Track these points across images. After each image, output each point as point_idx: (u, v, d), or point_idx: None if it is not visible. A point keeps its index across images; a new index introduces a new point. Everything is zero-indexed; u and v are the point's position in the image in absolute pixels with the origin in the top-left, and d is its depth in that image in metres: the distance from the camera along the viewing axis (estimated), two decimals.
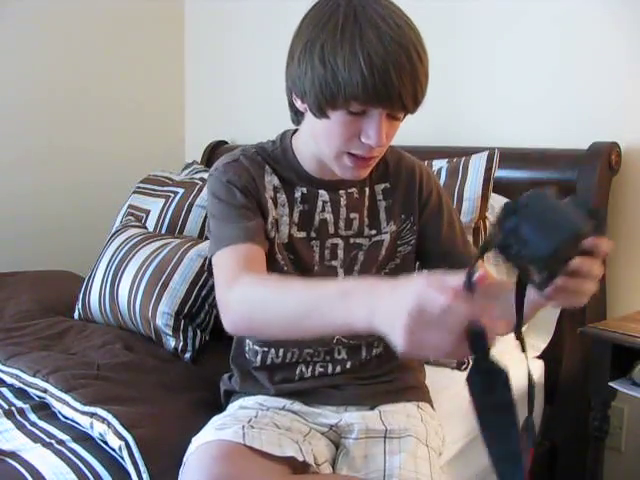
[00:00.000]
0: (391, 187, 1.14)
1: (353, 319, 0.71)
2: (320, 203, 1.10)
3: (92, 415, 1.13)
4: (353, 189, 1.11)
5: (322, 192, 1.10)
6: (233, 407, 1.13)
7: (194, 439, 1.00)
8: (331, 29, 0.90)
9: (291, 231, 1.10)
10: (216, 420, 1.05)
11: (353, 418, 1.10)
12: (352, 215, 1.11)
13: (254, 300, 0.86)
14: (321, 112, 0.95)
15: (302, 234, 1.10)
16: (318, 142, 1.02)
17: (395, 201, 1.14)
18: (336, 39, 0.89)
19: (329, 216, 1.11)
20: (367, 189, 1.13)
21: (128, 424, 1.08)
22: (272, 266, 1.06)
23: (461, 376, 1.52)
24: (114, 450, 1.07)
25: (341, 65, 0.89)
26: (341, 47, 0.89)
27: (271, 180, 1.09)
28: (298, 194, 1.10)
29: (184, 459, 0.98)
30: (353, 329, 0.73)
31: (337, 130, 0.96)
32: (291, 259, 1.10)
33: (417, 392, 1.20)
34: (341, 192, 1.11)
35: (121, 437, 1.06)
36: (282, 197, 1.09)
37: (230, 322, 0.89)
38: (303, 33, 0.95)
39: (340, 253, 1.11)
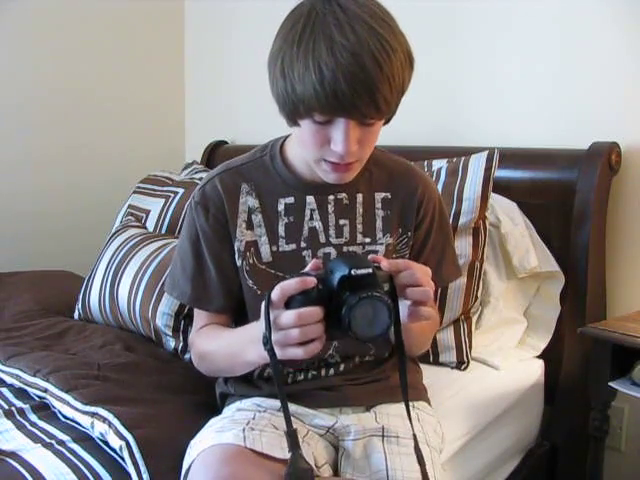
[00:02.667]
0: (391, 198, 1.14)
1: (251, 357, 0.99)
2: (308, 212, 1.11)
3: (93, 415, 1.13)
4: (343, 194, 1.11)
5: (309, 199, 1.11)
6: (230, 410, 1.12)
7: (193, 443, 1.00)
8: (290, 42, 0.92)
9: (274, 248, 1.10)
10: (214, 423, 1.05)
11: (349, 420, 1.10)
12: (342, 222, 1.11)
13: (205, 357, 1.14)
14: (291, 121, 0.98)
15: (291, 246, 1.11)
16: (300, 147, 1.04)
17: (394, 213, 1.14)
18: (293, 52, 0.91)
19: (318, 224, 1.11)
20: (360, 195, 1.12)
21: (129, 424, 1.08)
22: (247, 292, 1.12)
23: (461, 376, 1.53)
24: (114, 450, 1.07)
25: (297, 78, 0.91)
26: (297, 60, 0.90)
27: (246, 201, 1.11)
28: (282, 207, 1.11)
29: (185, 463, 0.98)
30: (259, 362, 1.02)
31: (308, 138, 0.97)
32: (279, 276, 1.08)
33: (412, 391, 1.18)
34: (330, 197, 1.11)
35: (122, 437, 1.06)
36: (258, 218, 1.11)
37: (196, 366, 1.18)
38: (274, 42, 0.97)
39: None
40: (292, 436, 0.87)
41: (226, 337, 1.09)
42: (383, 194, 1.14)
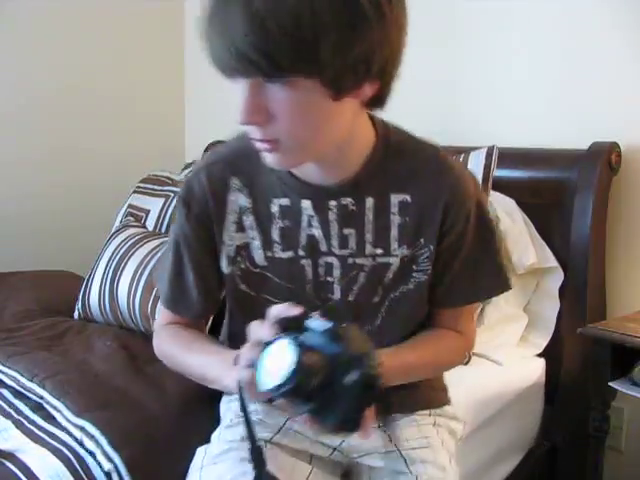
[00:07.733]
0: (411, 202, 0.93)
1: (228, 383, 0.85)
2: (305, 217, 0.93)
3: (82, 429, 1.11)
4: (348, 199, 0.92)
5: (306, 204, 0.93)
6: (231, 415, 1.06)
7: (199, 450, 1.00)
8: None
9: (268, 253, 0.95)
10: (219, 440, 1.01)
11: (356, 439, 0.94)
12: (347, 231, 0.93)
13: (171, 361, 1.04)
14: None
15: (288, 254, 0.95)
16: None
17: (412, 220, 0.93)
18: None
19: (317, 232, 0.94)
20: (370, 200, 0.93)
21: (117, 442, 1.06)
22: (238, 296, 0.99)
23: (463, 371, 1.52)
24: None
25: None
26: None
27: (236, 200, 0.95)
28: (276, 208, 0.94)
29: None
30: (223, 387, 0.92)
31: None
32: (277, 282, 0.96)
33: (434, 395, 1.10)
34: (331, 203, 0.92)
35: (110, 459, 1.04)
36: (249, 219, 0.95)
37: (157, 354, 1.07)
38: None
39: (336, 272, 0.95)
40: (258, 453, 0.77)
41: (200, 354, 0.97)
42: (401, 196, 0.93)
